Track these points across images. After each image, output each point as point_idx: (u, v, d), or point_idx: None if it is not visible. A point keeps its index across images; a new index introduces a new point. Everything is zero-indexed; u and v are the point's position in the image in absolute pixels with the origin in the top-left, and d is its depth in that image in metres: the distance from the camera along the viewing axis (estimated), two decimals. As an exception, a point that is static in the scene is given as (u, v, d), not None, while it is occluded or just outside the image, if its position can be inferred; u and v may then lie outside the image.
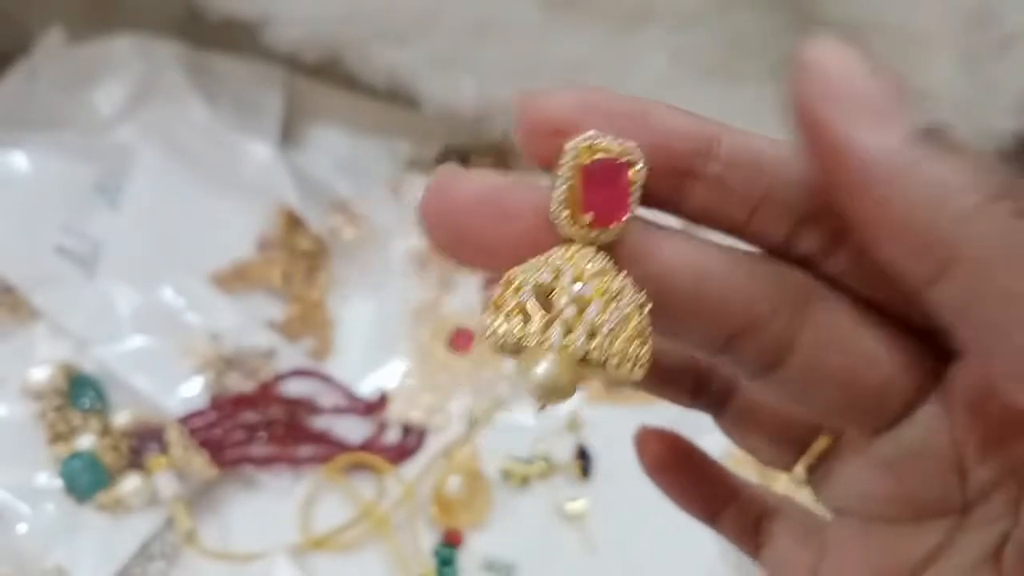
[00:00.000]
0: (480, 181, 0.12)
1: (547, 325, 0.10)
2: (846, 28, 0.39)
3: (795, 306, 0.12)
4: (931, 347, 0.13)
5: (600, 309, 0.11)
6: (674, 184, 0.12)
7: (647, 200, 0.12)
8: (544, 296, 0.11)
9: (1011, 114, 0.40)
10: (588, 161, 0.11)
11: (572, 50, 0.40)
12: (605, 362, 0.11)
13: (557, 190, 0.11)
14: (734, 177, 0.12)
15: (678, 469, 0.17)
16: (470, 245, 0.12)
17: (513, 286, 0.11)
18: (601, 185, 0.11)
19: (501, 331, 0.11)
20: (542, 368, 0.10)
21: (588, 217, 0.11)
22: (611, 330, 0.11)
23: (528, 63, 0.40)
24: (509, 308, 0.11)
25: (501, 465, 0.33)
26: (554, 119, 0.12)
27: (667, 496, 0.18)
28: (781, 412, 0.15)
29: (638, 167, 0.11)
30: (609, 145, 0.11)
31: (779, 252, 0.13)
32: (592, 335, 0.10)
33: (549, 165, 0.12)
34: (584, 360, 0.11)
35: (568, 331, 0.10)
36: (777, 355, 0.13)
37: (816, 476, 0.15)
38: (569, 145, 0.11)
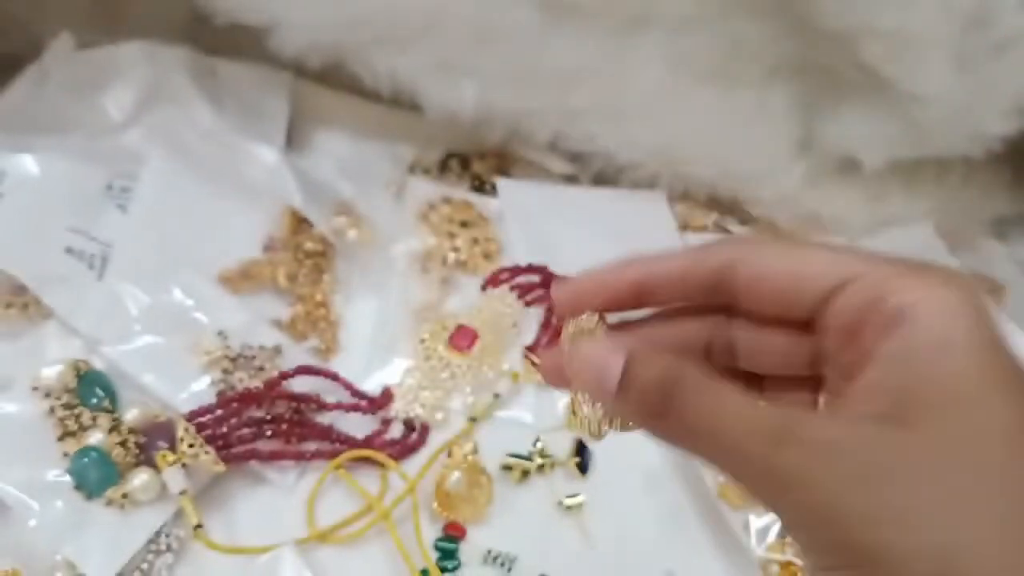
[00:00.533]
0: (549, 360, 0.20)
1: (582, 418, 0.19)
2: (841, 32, 0.39)
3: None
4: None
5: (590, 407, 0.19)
6: (630, 304, 0.20)
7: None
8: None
9: (1006, 117, 0.40)
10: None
11: (571, 56, 0.41)
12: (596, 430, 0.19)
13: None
14: (663, 292, 0.19)
15: None
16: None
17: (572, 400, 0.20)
18: None
19: (572, 421, 0.19)
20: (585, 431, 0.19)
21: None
22: (597, 417, 0.19)
23: (527, 68, 0.40)
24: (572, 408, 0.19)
25: (501, 461, 0.33)
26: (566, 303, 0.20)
27: None
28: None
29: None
30: (582, 325, 0.19)
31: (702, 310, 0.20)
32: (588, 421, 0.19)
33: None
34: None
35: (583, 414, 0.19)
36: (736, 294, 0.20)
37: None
38: (564, 333, 0.19)
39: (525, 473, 0.33)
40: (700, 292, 0.19)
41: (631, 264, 0.19)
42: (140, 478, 0.30)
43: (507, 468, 0.33)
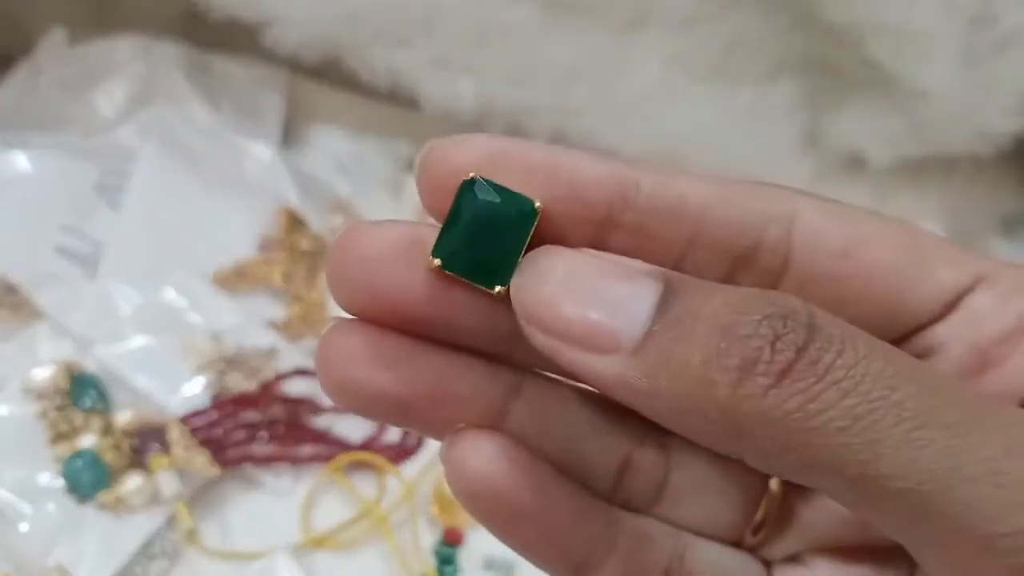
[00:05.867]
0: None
1: None
2: (845, 27, 0.39)
3: (782, 221, 0.12)
4: None
5: None
6: (592, 233, 0.12)
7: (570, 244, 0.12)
8: None
9: (1010, 115, 0.40)
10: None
11: (570, 53, 0.40)
12: None
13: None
14: (654, 224, 0.12)
15: (514, 496, 0.12)
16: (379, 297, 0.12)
17: None
18: None
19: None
20: None
21: None
22: None
23: (527, 65, 0.40)
24: None
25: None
26: (460, 170, 0.12)
27: (504, 541, 0.12)
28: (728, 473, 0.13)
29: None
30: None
31: None
32: None
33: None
34: None
35: None
36: (775, 272, 0.12)
37: (771, 526, 0.14)
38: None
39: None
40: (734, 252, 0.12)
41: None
42: (133, 481, 0.30)
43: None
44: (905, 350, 0.12)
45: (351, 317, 0.12)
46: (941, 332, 0.12)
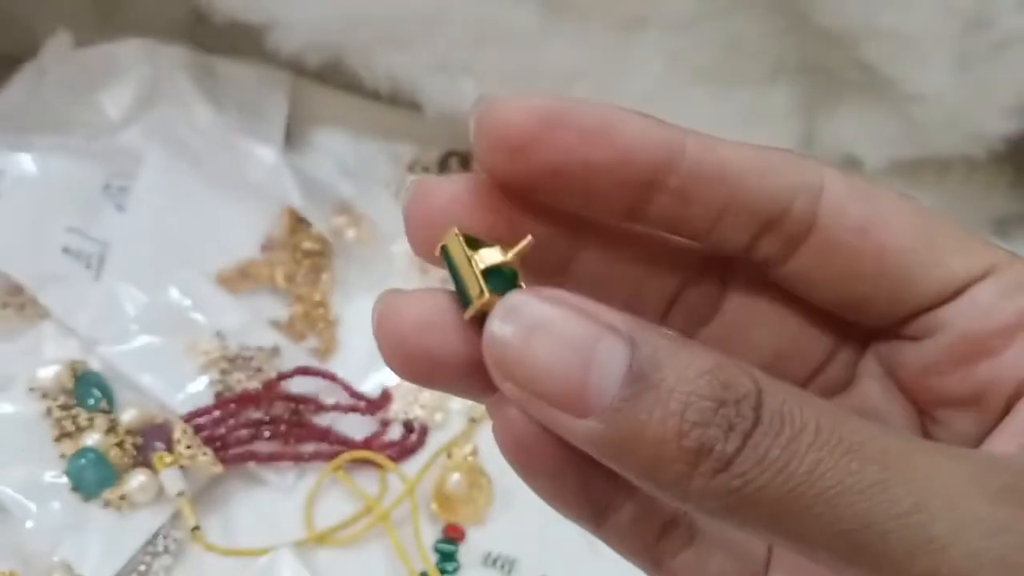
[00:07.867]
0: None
1: None
2: (841, 31, 0.39)
3: (812, 192, 0.12)
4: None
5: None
6: (638, 196, 0.12)
7: (611, 213, 0.12)
8: None
9: (1007, 117, 0.40)
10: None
11: (570, 54, 0.41)
12: None
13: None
14: (696, 188, 0.12)
15: (554, 454, 0.12)
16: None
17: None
18: None
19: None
20: None
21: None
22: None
23: (527, 67, 0.40)
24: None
25: (501, 462, 0.33)
26: (516, 133, 0.12)
27: (538, 492, 0.13)
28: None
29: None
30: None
31: (738, 257, 0.13)
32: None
33: (512, 183, 0.12)
34: None
35: None
36: (797, 239, 0.13)
37: None
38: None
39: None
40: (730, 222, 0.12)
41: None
42: (137, 479, 0.30)
43: (507, 469, 0.33)
44: (907, 330, 0.13)
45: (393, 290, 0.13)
46: (942, 316, 0.12)
